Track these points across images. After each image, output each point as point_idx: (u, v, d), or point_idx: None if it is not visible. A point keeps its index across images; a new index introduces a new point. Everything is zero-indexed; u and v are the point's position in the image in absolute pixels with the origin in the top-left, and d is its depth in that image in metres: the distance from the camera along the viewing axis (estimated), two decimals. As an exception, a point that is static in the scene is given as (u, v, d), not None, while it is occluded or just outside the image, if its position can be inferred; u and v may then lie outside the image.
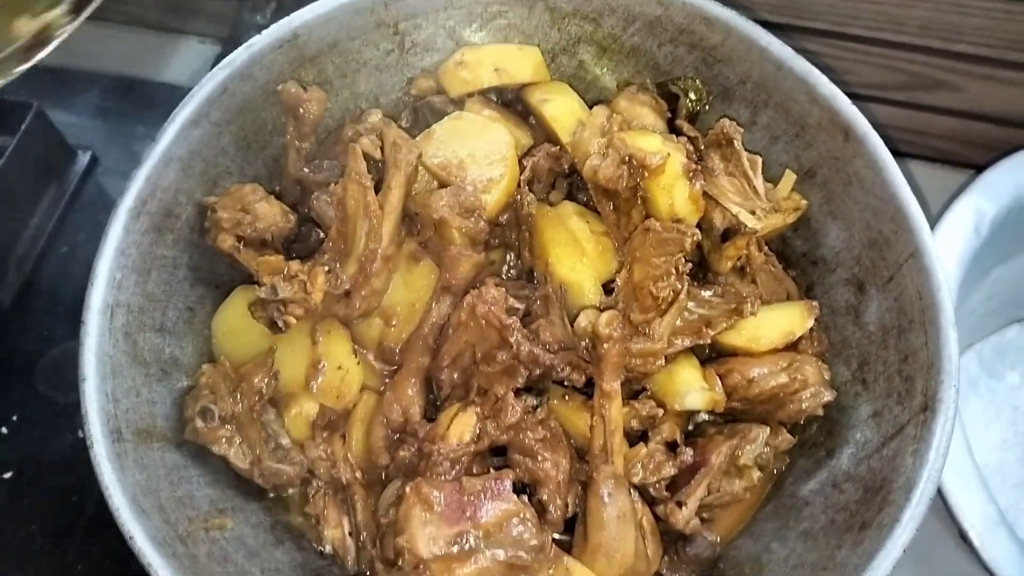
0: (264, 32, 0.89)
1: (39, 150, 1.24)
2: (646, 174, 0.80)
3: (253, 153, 0.93)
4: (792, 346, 0.85)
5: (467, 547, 0.70)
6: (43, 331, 1.18)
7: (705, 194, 0.83)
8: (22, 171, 1.20)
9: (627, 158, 0.80)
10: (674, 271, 0.76)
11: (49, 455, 1.10)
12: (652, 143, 0.81)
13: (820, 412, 0.82)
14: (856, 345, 0.85)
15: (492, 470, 0.77)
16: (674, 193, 0.81)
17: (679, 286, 0.77)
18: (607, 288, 0.85)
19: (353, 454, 0.82)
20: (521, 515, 0.72)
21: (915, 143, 1.29)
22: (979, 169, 1.23)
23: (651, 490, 0.79)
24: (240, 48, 0.89)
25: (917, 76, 1.19)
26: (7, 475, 1.09)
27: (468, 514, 0.71)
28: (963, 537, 0.98)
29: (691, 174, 0.81)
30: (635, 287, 0.78)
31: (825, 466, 0.82)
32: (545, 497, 0.76)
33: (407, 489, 0.73)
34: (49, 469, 1.09)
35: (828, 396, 0.81)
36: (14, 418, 1.12)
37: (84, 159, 1.31)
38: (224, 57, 0.88)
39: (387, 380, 0.86)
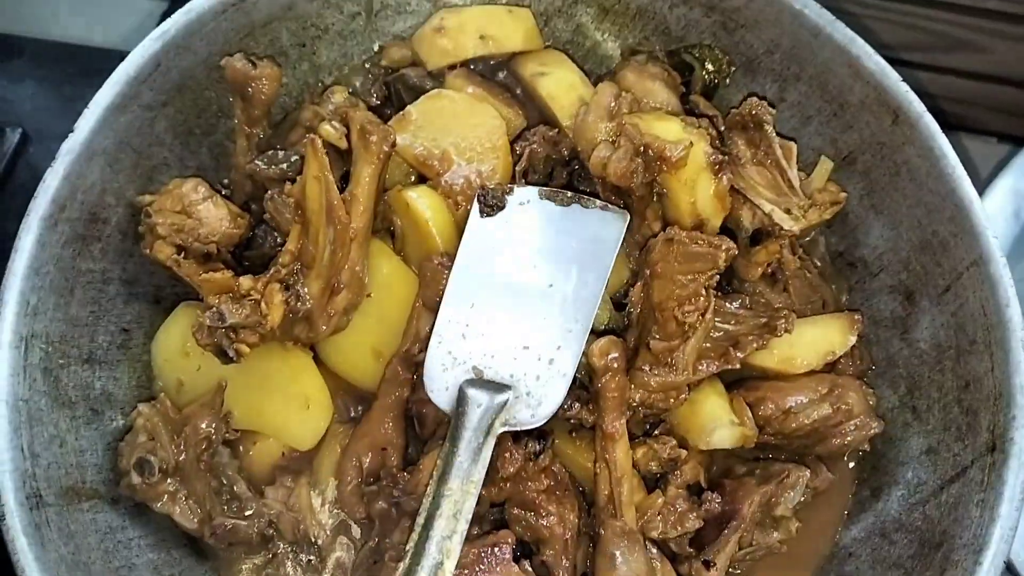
0: (204, -7, 0.74)
1: (-41, 130, 1.09)
2: (664, 168, 0.67)
3: (195, 140, 0.79)
4: (829, 365, 0.74)
5: (461, 628, 0.59)
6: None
7: (732, 189, 0.71)
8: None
9: (642, 148, 0.66)
10: (703, 292, 0.63)
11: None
12: (671, 130, 0.68)
13: (866, 447, 0.71)
14: (904, 365, 0.74)
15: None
16: (697, 189, 0.68)
17: (709, 302, 0.65)
18: (618, 303, 0.72)
19: (323, 499, 0.71)
20: (523, 586, 0.60)
21: (933, 108, 1.19)
22: (1003, 138, 1.11)
23: (672, 545, 0.68)
24: (176, 14, 0.74)
25: (939, 36, 1.07)
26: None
27: (462, 589, 0.60)
28: (1009, 568, 0.90)
29: (717, 166, 0.68)
30: (655, 308, 0.65)
31: (871, 509, 0.72)
32: (550, 558, 0.65)
33: (389, 550, 0.61)
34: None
35: (876, 428, 0.70)
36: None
37: (14, 137, 1.16)
38: (169, 16, 0.73)
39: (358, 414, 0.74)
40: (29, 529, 0.59)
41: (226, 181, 0.80)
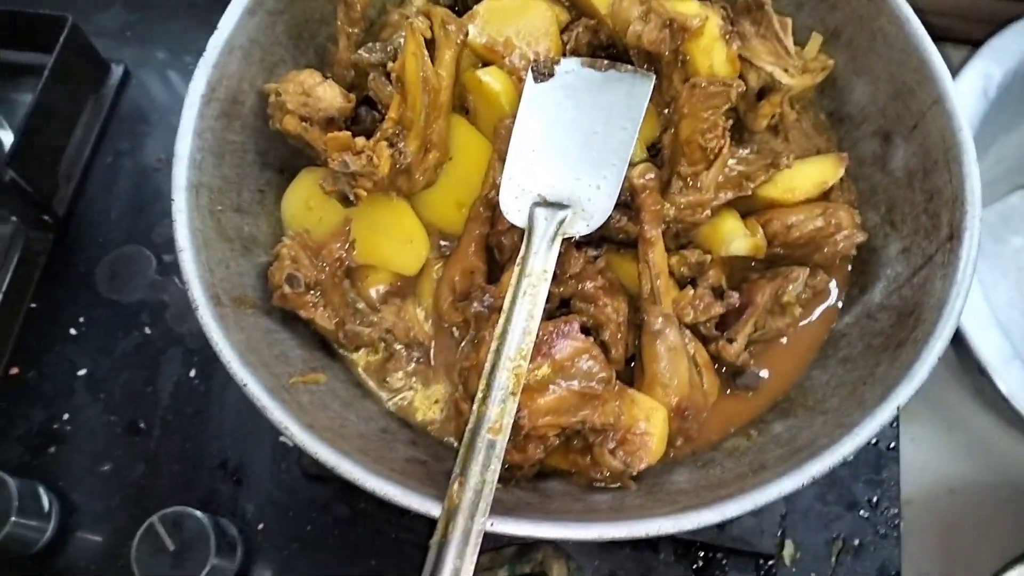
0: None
1: (76, 65, 1.28)
2: (686, 36, 0.85)
3: (304, 43, 0.97)
4: (824, 196, 0.92)
5: (544, 379, 0.78)
6: (97, 237, 1.25)
7: (740, 56, 0.89)
8: (63, 86, 1.24)
9: (668, 22, 0.84)
10: (721, 122, 0.82)
11: (119, 352, 1.17)
12: (691, 6, 0.86)
13: (853, 252, 0.89)
14: (883, 191, 0.92)
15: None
16: (713, 54, 0.86)
17: (724, 139, 0.83)
18: (652, 151, 0.91)
19: (426, 312, 0.90)
20: (589, 351, 0.79)
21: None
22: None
23: (702, 329, 0.86)
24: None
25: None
26: (81, 372, 1.16)
27: (543, 351, 0.78)
28: (981, 372, 1.07)
29: (727, 35, 0.86)
30: (683, 143, 0.84)
31: (859, 302, 0.90)
32: (607, 338, 0.84)
33: (485, 334, 0.80)
34: (120, 365, 1.17)
35: (861, 237, 0.88)
36: (81, 319, 1.19)
37: (118, 72, 1.34)
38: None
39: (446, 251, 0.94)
40: (216, 316, 0.78)
41: (329, 76, 0.99)
